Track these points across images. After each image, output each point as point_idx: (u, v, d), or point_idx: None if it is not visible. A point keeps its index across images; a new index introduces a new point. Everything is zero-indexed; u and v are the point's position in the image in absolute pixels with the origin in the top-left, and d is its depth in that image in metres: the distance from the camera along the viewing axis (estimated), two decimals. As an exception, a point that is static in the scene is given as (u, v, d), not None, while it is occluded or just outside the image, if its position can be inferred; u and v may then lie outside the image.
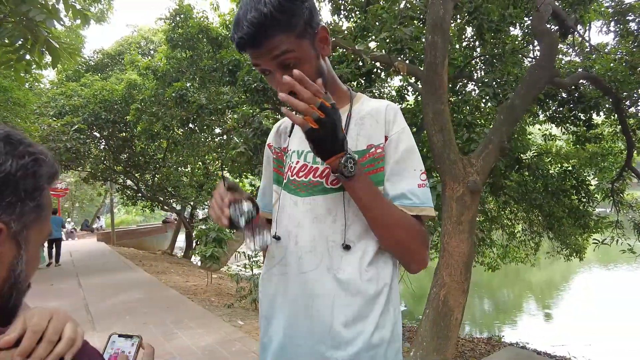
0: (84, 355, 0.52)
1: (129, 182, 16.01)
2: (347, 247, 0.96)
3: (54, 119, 11.98)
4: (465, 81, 7.12)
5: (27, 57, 4.34)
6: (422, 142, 6.49)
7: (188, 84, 9.05)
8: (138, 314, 5.61)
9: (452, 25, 6.73)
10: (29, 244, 0.54)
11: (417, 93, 7.09)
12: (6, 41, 4.10)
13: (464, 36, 7.08)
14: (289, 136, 1.13)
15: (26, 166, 0.52)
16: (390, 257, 0.99)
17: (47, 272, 9.87)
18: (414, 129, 6.94)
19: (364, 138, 1.00)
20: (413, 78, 6.21)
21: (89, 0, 9.80)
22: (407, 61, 6.36)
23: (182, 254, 16.79)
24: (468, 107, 6.67)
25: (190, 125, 9.53)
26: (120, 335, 0.84)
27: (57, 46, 4.02)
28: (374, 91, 6.09)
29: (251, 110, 7.59)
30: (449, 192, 4.10)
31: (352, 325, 0.93)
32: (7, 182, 0.49)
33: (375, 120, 1.01)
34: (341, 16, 7.52)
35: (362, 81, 6.99)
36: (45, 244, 11.13)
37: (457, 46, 6.91)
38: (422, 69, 4.57)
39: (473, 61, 6.69)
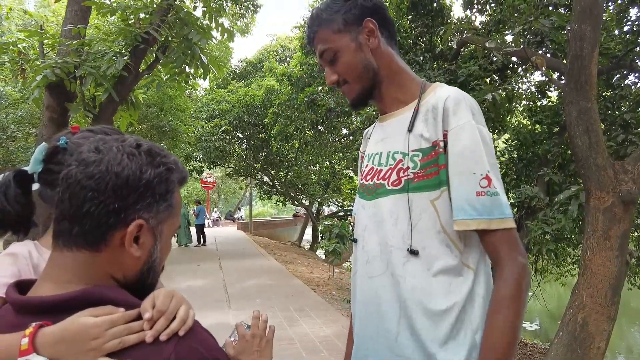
0: (193, 334, 0.63)
1: (265, 178, 17.60)
2: (413, 253, 0.90)
3: (206, 121, 13.88)
4: (624, 72, 6.08)
5: (187, 70, 5.15)
6: (565, 144, 5.76)
7: (319, 89, 9.56)
8: (267, 298, 6.17)
9: (611, 7, 5.82)
10: (162, 235, 0.68)
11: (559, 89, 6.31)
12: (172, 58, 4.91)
13: (625, 19, 6.05)
14: (369, 139, 1.11)
15: (161, 174, 0.65)
16: (473, 274, 0.89)
17: (195, 253, 11.54)
18: (556, 129, 6.20)
19: (430, 134, 0.91)
20: (556, 73, 5.56)
21: (236, 15, 11.01)
22: (548, 54, 5.71)
23: (309, 246, 17.77)
24: (627, 103, 5.69)
25: (320, 127, 10.09)
26: (244, 324, 0.96)
27: (206, 62, 4.67)
28: (508, 87, 5.62)
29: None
30: (593, 202, 3.59)
31: (416, 341, 0.89)
32: (147, 187, 0.63)
33: (435, 113, 0.91)
34: (474, 10, 7.10)
35: (496, 77, 6.51)
36: (193, 229, 13.29)
37: (617, 32, 5.94)
38: (565, 62, 4.07)
39: (638, 48, 5.67)
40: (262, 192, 18.65)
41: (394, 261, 0.92)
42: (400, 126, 0.98)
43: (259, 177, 17.64)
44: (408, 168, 0.93)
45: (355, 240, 1.06)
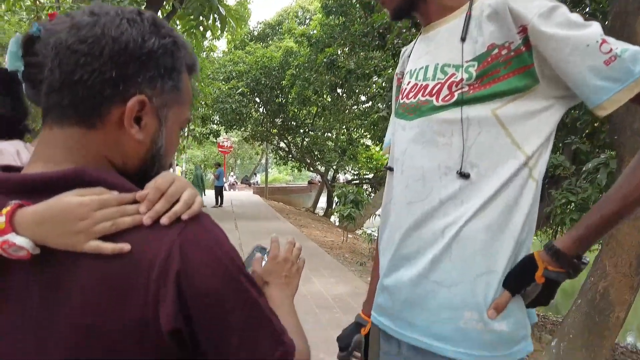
0: (201, 224, 0.55)
1: (281, 143, 17.53)
2: (464, 176, 0.81)
3: (223, 83, 13.75)
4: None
5: (204, 23, 5.02)
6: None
7: (339, 51, 9.29)
8: (281, 258, 6.22)
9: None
10: (167, 122, 0.60)
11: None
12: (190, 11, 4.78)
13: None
14: (408, 56, 1.02)
15: (166, 46, 0.56)
16: (534, 187, 0.81)
17: (212, 214, 11.58)
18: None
19: (485, 38, 0.81)
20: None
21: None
22: (587, 15, 5.36)
23: (323, 213, 17.88)
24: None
25: (338, 90, 9.87)
26: (262, 248, 0.91)
27: (224, 13, 4.53)
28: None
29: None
30: (625, 169, 3.42)
31: (458, 269, 0.82)
32: (150, 57, 0.55)
33: (496, 11, 0.79)
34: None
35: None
36: (209, 192, 13.52)
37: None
38: (606, 22, 3.80)
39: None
40: (278, 158, 18.65)
41: (446, 185, 0.83)
42: (449, 35, 0.87)
43: (275, 142, 17.58)
44: (462, 80, 0.82)
45: (390, 169, 0.98)
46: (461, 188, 0.82)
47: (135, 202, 0.54)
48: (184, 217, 0.54)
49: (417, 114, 0.89)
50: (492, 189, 0.80)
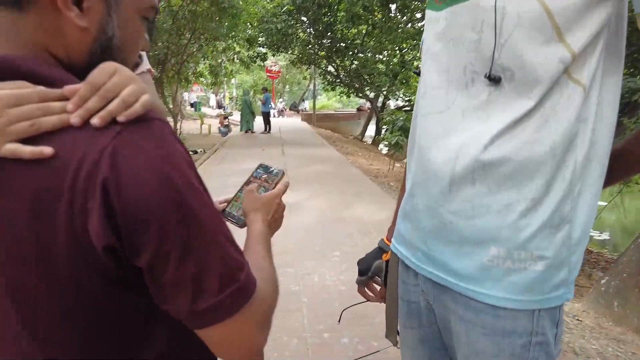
0: (146, 128, 0.46)
1: (330, 67, 16.92)
2: (494, 80, 0.65)
3: (268, 1, 13.14)
4: None
5: None
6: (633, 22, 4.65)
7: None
8: (325, 183, 6.26)
9: None
10: (120, 5, 0.51)
11: None
12: None
13: None
14: None
15: None
16: (582, 94, 0.65)
17: (260, 139, 11.96)
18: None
19: None
20: None
21: None
22: None
23: (371, 141, 17.60)
24: None
25: (391, 6, 9.07)
26: (267, 166, 0.86)
27: None
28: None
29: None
30: None
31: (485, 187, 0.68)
32: None
33: None
34: None
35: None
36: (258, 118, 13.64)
37: None
38: None
39: None
40: (326, 83, 18.13)
41: (471, 92, 0.69)
42: None
43: (323, 65, 16.99)
44: None
45: (418, 74, 0.84)
46: (489, 97, 0.67)
47: (65, 99, 0.45)
48: (120, 118, 0.45)
49: (446, 1, 0.72)
50: (528, 100, 0.65)
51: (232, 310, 0.48)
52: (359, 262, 1.05)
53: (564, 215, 0.67)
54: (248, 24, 12.01)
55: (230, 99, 31.04)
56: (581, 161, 0.67)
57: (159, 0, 0.81)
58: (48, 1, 0.45)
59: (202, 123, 15.42)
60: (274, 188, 0.82)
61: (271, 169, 0.85)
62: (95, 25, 0.49)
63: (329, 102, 38.85)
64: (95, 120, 0.44)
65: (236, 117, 17.27)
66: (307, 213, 4.89)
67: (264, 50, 15.45)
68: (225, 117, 14.89)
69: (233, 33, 11.87)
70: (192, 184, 0.47)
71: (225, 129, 14.14)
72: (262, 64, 17.96)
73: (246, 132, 13.73)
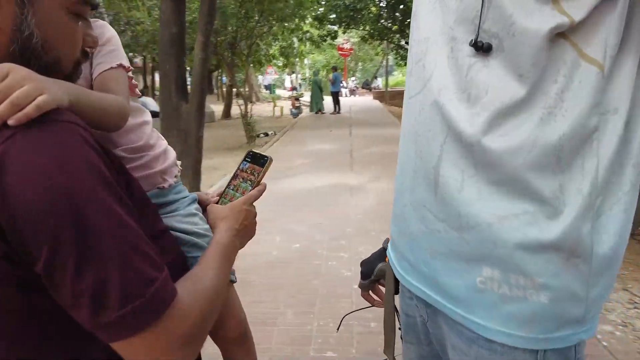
0: (39, 128, 0.43)
1: (402, 42, 16.24)
2: (482, 48, 0.52)
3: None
4: None
5: None
6: None
7: None
8: (388, 165, 6.06)
9: None
10: (33, 3, 0.47)
11: None
12: None
13: None
14: None
15: None
16: (600, 76, 0.48)
17: (329, 120, 12.01)
18: None
19: None
20: None
21: None
22: None
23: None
24: None
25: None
26: (255, 154, 0.80)
27: None
28: None
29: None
30: None
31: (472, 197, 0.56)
32: None
33: None
34: None
35: None
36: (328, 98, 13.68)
37: None
38: None
39: None
40: (399, 58, 17.47)
41: (454, 66, 0.56)
42: None
43: (395, 40, 16.35)
44: None
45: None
46: (470, 70, 0.53)
47: None
48: (10, 122, 0.42)
49: None
50: (519, 82, 0.50)
51: (137, 327, 0.44)
52: (362, 264, 0.95)
53: (580, 237, 0.51)
54: (316, 1, 11.85)
55: (304, 79, 31.31)
56: (606, 166, 0.50)
57: None
58: None
59: (274, 105, 15.77)
60: (259, 182, 0.77)
61: (258, 158, 0.80)
62: (9, 26, 0.46)
63: (403, 78, 37.57)
64: None
65: (307, 98, 17.41)
66: (367, 196, 4.78)
67: (334, 27, 15.25)
68: (297, 99, 15.07)
69: (300, 11, 11.84)
70: (90, 192, 0.43)
71: (296, 111, 14.34)
72: (333, 42, 17.77)
73: (316, 112, 13.80)
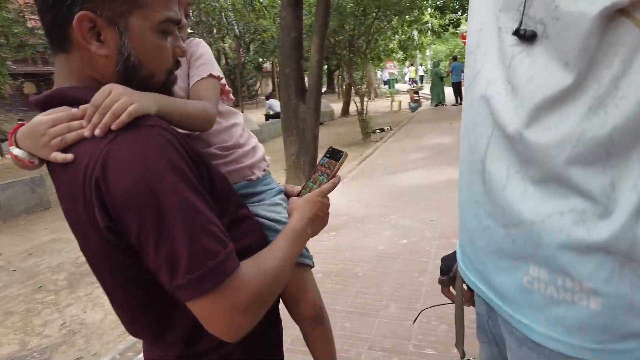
0: (135, 132, 0.56)
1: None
2: (525, 36, 0.49)
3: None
4: None
5: None
6: None
7: None
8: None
9: None
10: (130, 29, 0.60)
11: None
12: None
13: None
14: None
15: None
16: None
17: (449, 112, 11.48)
18: None
19: None
20: None
21: None
22: None
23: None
24: None
25: None
26: (334, 150, 0.88)
27: None
28: None
29: None
30: None
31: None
32: None
33: None
34: None
35: None
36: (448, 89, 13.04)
37: None
38: None
39: None
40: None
41: (504, 54, 0.54)
42: None
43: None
44: None
45: None
46: (515, 59, 0.51)
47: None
48: (113, 127, 0.56)
49: None
50: (566, 71, 0.47)
51: (201, 291, 0.56)
52: (442, 259, 0.95)
53: (636, 239, 0.46)
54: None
55: (426, 72, 30.24)
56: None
57: (189, 6, 0.89)
58: (80, 41, 0.59)
59: (392, 100, 15.63)
60: (334, 175, 0.84)
61: (336, 153, 0.87)
62: (115, 50, 0.61)
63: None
64: (96, 132, 0.57)
65: (427, 90, 16.83)
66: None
67: (456, 16, 14.45)
68: (415, 92, 14.69)
69: (417, 2, 11.51)
70: (168, 184, 0.56)
71: (415, 104, 13.99)
72: (456, 31, 16.82)
73: (436, 105, 13.29)
